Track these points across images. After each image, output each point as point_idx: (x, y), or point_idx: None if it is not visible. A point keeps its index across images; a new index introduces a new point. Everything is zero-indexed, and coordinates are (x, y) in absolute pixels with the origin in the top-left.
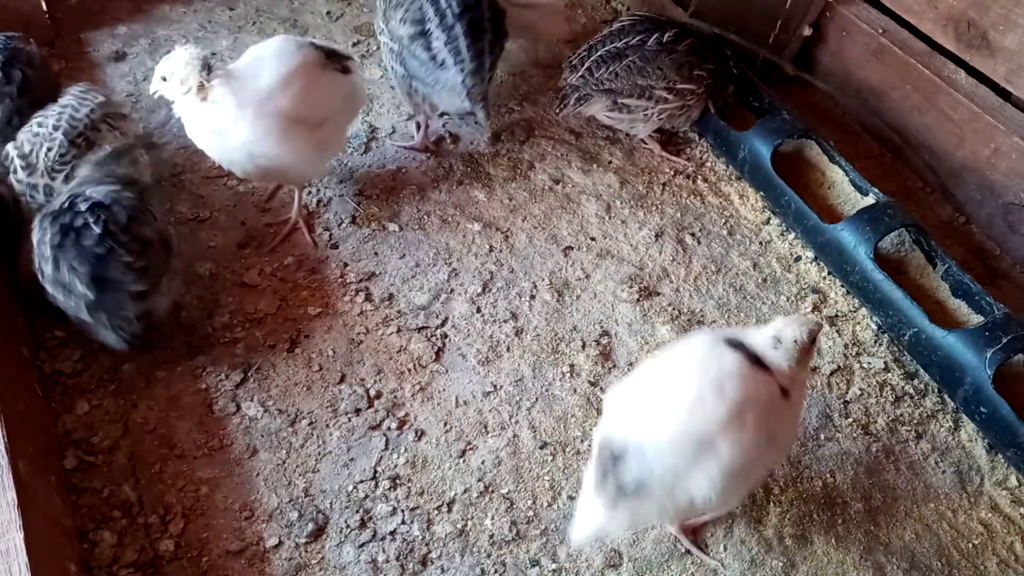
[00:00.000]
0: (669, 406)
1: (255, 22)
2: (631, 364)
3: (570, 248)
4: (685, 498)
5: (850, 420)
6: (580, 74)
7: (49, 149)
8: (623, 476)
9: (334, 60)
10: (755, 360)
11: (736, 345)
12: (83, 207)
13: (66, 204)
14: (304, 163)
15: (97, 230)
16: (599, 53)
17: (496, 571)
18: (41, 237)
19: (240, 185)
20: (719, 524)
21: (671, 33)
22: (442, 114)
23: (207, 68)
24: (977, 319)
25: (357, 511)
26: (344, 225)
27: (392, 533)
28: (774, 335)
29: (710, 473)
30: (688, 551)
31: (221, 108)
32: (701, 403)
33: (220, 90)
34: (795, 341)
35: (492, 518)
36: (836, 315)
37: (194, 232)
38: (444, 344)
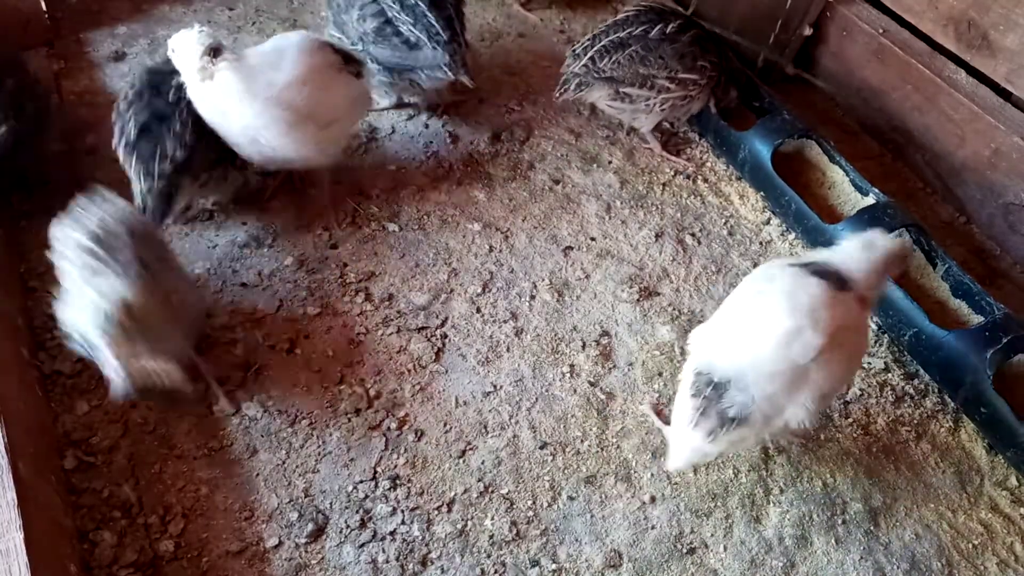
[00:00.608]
0: (766, 338)
1: (255, 22)
2: (631, 364)
3: (570, 248)
4: (781, 424)
5: (850, 420)
6: (583, 63)
7: None
8: (726, 408)
9: (351, 64)
10: (837, 281)
11: (818, 272)
12: (176, 80)
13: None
14: (306, 157)
15: (171, 97)
16: (602, 43)
17: (496, 571)
18: (134, 80)
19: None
20: (719, 524)
21: (675, 24)
22: (438, 109)
23: (214, 52)
24: (977, 319)
25: (357, 511)
26: (344, 225)
27: (392, 533)
28: (868, 239)
29: (806, 401)
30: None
31: (226, 91)
32: (799, 334)
33: (227, 75)
34: (885, 248)
35: (492, 518)
36: None
37: (195, 231)
38: (444, 344)
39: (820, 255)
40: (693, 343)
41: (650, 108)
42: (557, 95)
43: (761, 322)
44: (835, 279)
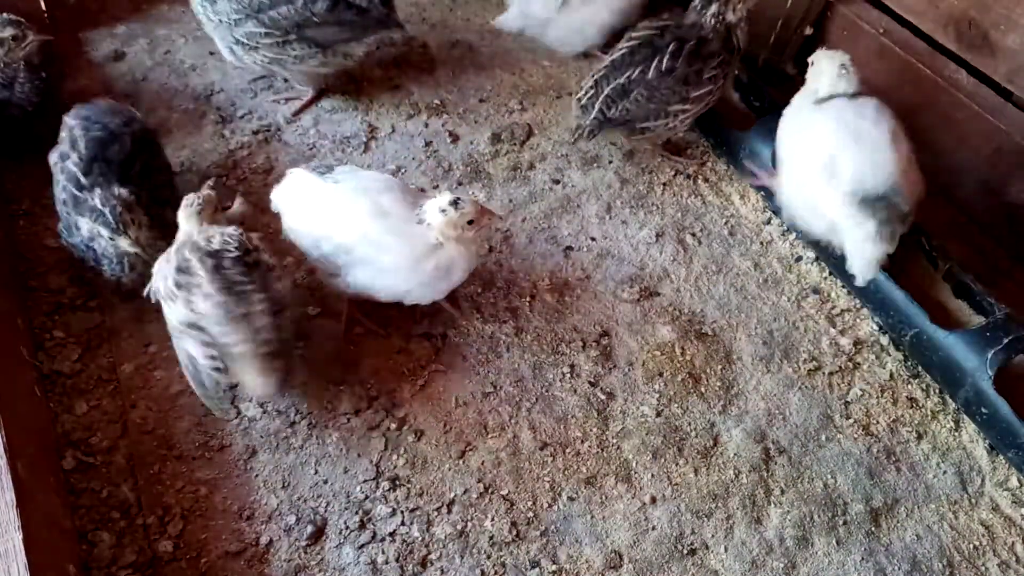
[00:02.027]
0: (881, 142)
1: None
2: (631, 364)
3: (570, 248)
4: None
5: (851, 421)
6: (593, 116)
7: None
8: (899, 208)
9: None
10: (854, 94)
11: (843, 96)
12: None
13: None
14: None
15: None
16: (605, 92)
17: (496, 572)
18: None
19: (240, 185)
20: (720, 525)
21: (669, 53)
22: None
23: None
24: (978, 320)
25: (356, 512)
26: None
27: (391, 534)
28: (840, 64)
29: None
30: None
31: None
32: (895, 128)
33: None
34: (835, 54)
35: (492, 519)
36: (837, 315)
37: None
38: (444, 344)
39: (816, 91)
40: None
41: (673, 129)
42: (572, 140)
43: (866, 137)
44: (851, 94)
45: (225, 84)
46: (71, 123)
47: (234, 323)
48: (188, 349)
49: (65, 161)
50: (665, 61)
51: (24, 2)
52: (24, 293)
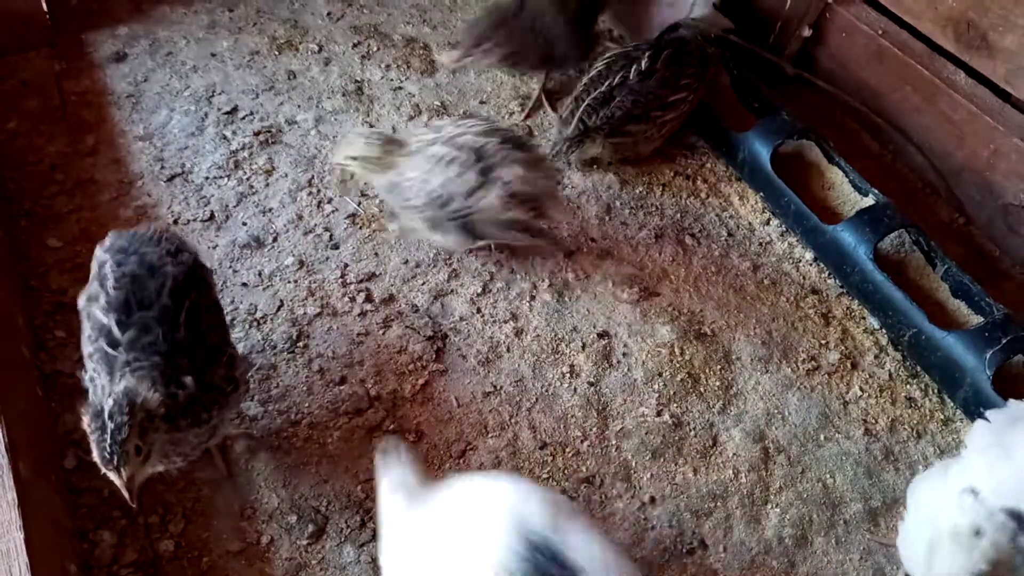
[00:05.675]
0: None
1: (255, 23)
2: (631, 364)
3: (570, 249)
4: None
5: (850, 420)
6: (574, 126)
7: None
8: None
9: None
10: None
11: None
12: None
13: None
14: None
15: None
16: (587, 103)
17: None
18: None
19: (241, 186)
20: (719, 524)
21: (647, 58)
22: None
23: None
24: (977, 320)
25: (357, 511)
26: (344, 226)
27: None
28: None
29: None
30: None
31: None
32: None
33: None
34: None
35: None
36: (836, 315)
37: (195, 232)
38: (444, 344)
39: None
40: None
41: (650, 139)
42: (552, 155)
43: None
44: None
45: (226, 85)
46: (102, 257)
47: None
48: None
49: (92, 305)
50: (644, 64)
51: (26, 3)
52: (25, 293)
